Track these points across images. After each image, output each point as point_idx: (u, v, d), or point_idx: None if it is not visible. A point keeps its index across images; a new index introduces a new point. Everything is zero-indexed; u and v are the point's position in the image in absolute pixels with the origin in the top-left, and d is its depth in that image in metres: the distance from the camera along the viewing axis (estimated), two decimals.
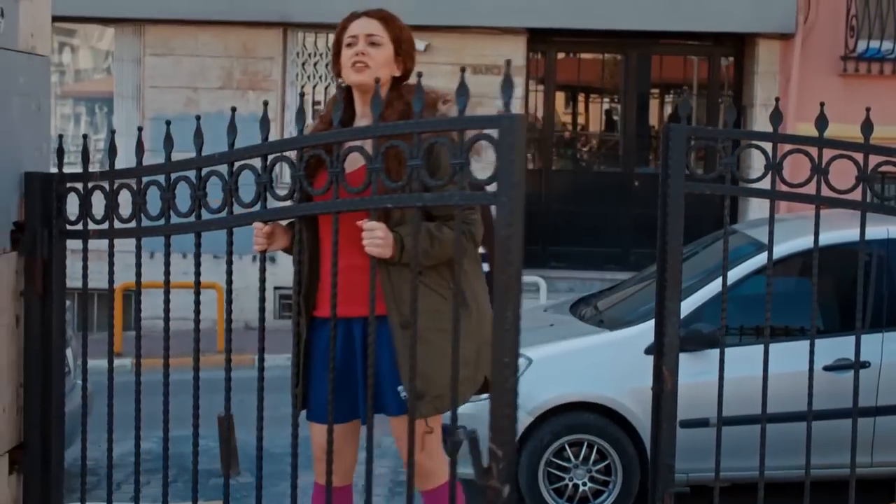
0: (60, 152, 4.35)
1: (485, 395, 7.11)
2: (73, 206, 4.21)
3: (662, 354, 4.30)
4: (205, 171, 3.79)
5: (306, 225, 4.11)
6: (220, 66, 14.25)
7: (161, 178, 3.92)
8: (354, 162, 3.68)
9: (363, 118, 4.21)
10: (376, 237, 3.84)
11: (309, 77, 14.49)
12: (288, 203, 3.69)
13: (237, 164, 3.74)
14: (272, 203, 3.70)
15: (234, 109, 3.92)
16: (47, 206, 4.18)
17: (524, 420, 7.10)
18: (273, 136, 12.25)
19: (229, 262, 3.81)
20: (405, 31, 4.36)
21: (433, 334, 3.92)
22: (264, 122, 3.69)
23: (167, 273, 3.90)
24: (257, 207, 3.70)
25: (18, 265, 4.16)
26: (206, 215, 3.83)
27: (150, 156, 13.39)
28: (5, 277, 4.08)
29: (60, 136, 4.48)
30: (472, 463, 3.18)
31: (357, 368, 4.23)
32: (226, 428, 7.79)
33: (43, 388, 4.18)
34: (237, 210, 3.75)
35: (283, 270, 14.13)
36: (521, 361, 7.20)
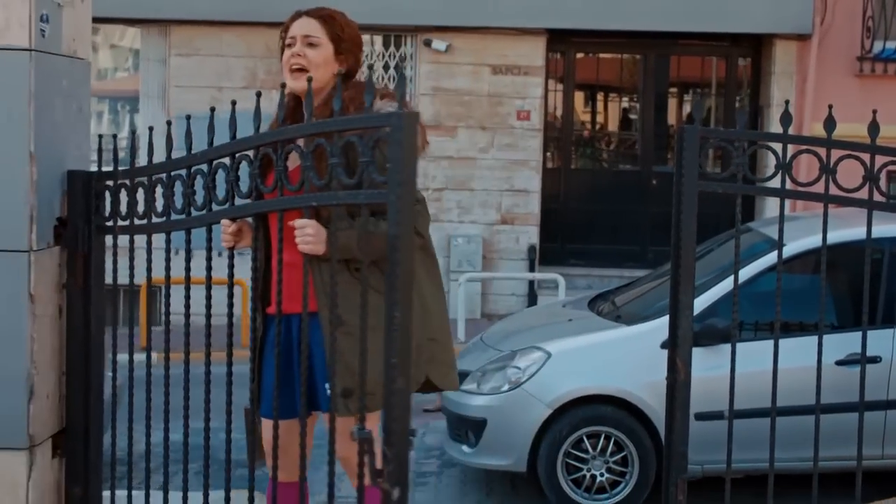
0: (100, 151, 4.56)
1: (506, 388, 7.31)
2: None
3: (676, 346, 4.49)
4: (193, 168, 4.00)
5: (261, 223, 4.08)
6: (244, 66, 14.45)
7: (183, 173, 4.09)
8: (294, 160, 3.76)
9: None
10: (306, 234, 3.89)
11: None
12: (247, 201, 3.83)
13: (215, 163, 3.92)
14: (239, 201, 3.86)
15: (211, 111, 4.12)
16: (87, 202, 4.38)
17: (543, 412, 7.28)
18: None
19: (208, 259, 3.98)
20: (347, 29, 4.27)
21: (367, 332, 3.55)
22: (256, 117, 3.78)
23: (188, 269, 4.04)
24: (226, 206, 3.87)
25: (61, 259, 4.36)
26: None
27: (175, 154, 13.72)
28: (49, 271, 4.29)
29: (100, 137, 4.68)
30: (366, 463, 3.18)
31: (295, 365, 4.24)
32: (251, 420, 7.98)
33: (84, 376, 4.37)
34: (215, 208, 3.93)
35: None
36: (541, 355, 7.41)
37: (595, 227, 15.14)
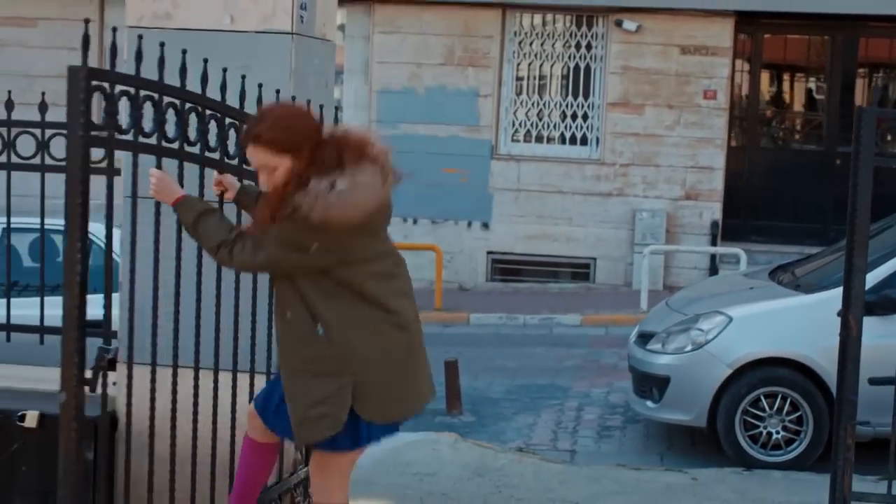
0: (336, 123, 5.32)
1: (689, 349, 7.85)
2: None
3: (849, 305, 5.01)
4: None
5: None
6: (443, 43, 15.19)
7: None
8: None
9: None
10: (152, 181, 4.26)
11: (525, 55, 15.32)
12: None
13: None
14: None
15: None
16: None
17: (724, 372, 7.84)
18: (489, 110, 13.28)
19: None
20: (284, 132, 4.02)
21: (298, 371, 4.18)
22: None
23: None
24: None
25: None
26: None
27: (375, 127, 14.62)
28: None
29: (336, 108, 5.42)
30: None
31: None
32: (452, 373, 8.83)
33: None
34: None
35: (496, 236, 15.12)
36: (723, 319, 7.97)
37: (778, 204, 15.46)
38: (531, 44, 15.29)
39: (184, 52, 4.54)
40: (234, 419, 4.91)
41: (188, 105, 4.48)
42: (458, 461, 7.41)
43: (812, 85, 16.56)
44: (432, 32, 15.17)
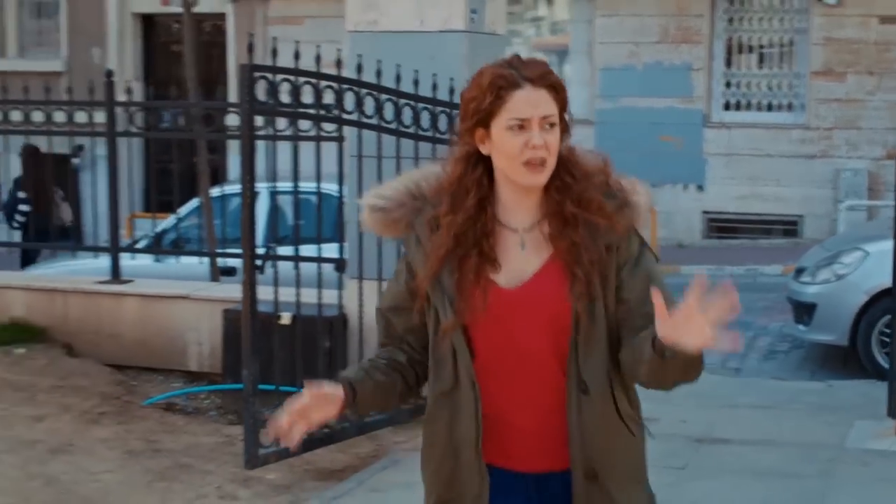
0: None
1: (833, 279, 9.30)
2: None
3: None
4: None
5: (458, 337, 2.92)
6: (658, 23, 16.72)
7: None
8: None
9: (517, 209, 2.87)
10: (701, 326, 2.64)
11: (734, 31, 16.72)
12: None
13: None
14: None
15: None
16: None
17: (862, 298, 9.24)
18: (701, 82, 15.00)
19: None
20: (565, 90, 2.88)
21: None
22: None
23: None
24: None
25: None
26: None
27: (599, 101, 16.67)
28: None
29: None
30: None
31: None
32: None
33: None
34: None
35: (710, 197, 16.52)
36: (861, 254, 9.37)
37: None
38: (741, 20, 16.66)
39: (379, 61, 6.47)
40: None
41: (345, 86, 6.63)
42: None
43: None
44: (648, 14, 16.70)
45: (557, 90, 2.81)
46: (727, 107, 16.80)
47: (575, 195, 2.81)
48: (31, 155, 12.39)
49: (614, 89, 16.77)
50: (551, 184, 2.82)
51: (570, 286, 2.77)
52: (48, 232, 10.42)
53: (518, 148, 2.76)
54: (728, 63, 16.80)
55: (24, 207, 12.55)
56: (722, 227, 16.87)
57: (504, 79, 2.77)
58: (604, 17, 17.04)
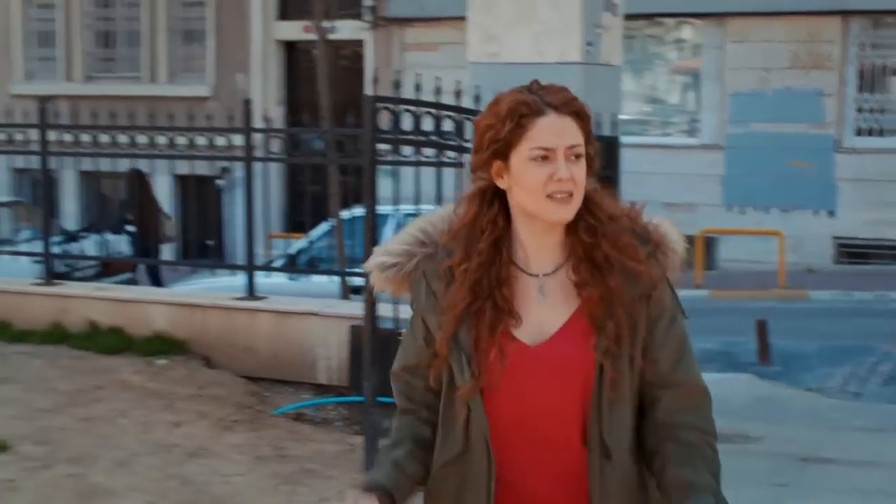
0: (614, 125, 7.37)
1: None
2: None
3: None
4: None
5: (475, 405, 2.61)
6: (788, 49, 16.82)
7: None
8: None
9: (537, 252, 2.57)
10: None
11: (866, 57, 16.72)
12: None
13: None
14: None
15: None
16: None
17: None
18: (832, 107, 15.20)
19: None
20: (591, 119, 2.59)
21: None
22: None
23: None
24: None
25: None
26: None
27: (729, 126, 16.96)
28: None
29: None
30: None
31: None
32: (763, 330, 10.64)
33: None
34: None
35: (841, 222, 16.49)
36: None
37: None
38: (872, 46, 16.64)
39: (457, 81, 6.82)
40: None
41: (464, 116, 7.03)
42: (749, 393, 9.22)
43: None
44: (778, 40, 16.80)
45: (582, 118, 2.50)
46: (859, 132, 16.79)
47: (610, 237, 2.51)
48: (135, 178, 13.33)
49: (744, 114, 16.90)
50: (577, 224, 2.52)
51: (595, 340, 2.49)
52: (153, 248, 11.31)
53: (541, 181, 2.46)
54: (860, 88, 16.78)
55: (129, 228, 13.48)
56: (853, 252, 16.82)
57: (525, 105, 2.47)
58: (734, 44, 17.17)
